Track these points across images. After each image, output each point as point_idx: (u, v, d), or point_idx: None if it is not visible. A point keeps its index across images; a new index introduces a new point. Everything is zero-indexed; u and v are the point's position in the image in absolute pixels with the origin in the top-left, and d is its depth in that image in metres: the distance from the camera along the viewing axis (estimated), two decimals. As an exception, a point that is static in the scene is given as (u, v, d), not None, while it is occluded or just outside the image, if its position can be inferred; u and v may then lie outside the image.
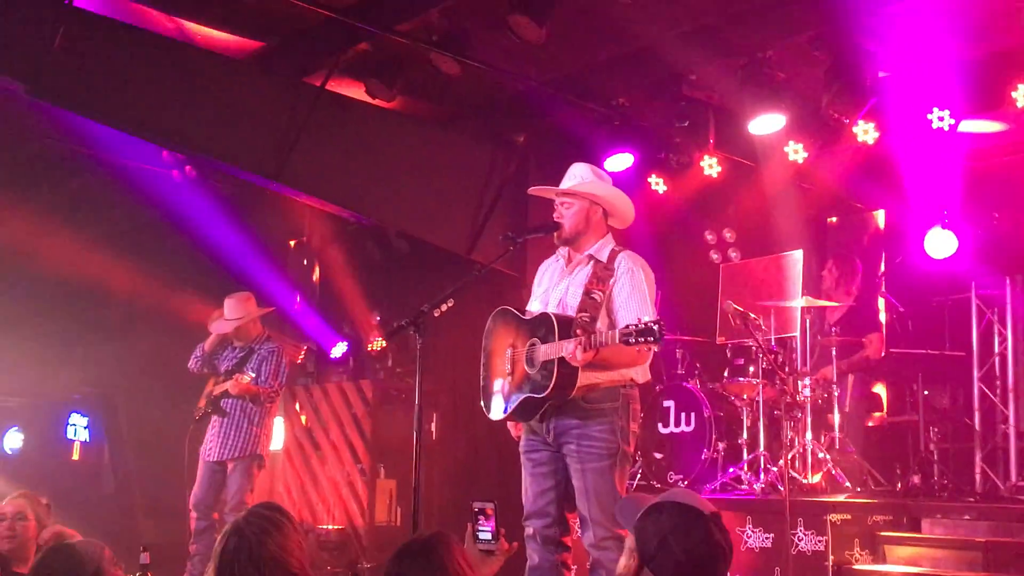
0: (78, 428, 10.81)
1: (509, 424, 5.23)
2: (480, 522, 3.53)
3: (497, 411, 5.13)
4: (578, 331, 4.70)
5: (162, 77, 7.98)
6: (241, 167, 8.72)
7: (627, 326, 4.54)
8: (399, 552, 2.96)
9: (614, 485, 4.86)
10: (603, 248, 5.07)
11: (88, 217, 10.28)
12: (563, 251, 5.20)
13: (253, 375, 7.70)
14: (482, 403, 5.26)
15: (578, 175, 5.10)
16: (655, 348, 4.59)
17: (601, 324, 4.84)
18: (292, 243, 10.66)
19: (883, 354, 8.57)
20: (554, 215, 5.11)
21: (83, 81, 7.65)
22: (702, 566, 2.37)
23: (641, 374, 5.04)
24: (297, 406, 10.76)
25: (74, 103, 7.83)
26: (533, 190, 5.33)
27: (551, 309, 5.00)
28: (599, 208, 5.10)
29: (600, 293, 4.91)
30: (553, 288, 5.10)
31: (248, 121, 8.39)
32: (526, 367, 4.94)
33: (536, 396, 4.87)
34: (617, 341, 4.54)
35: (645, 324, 4.44)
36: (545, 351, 4.82)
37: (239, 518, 3.27)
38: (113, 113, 7.92)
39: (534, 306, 5.20)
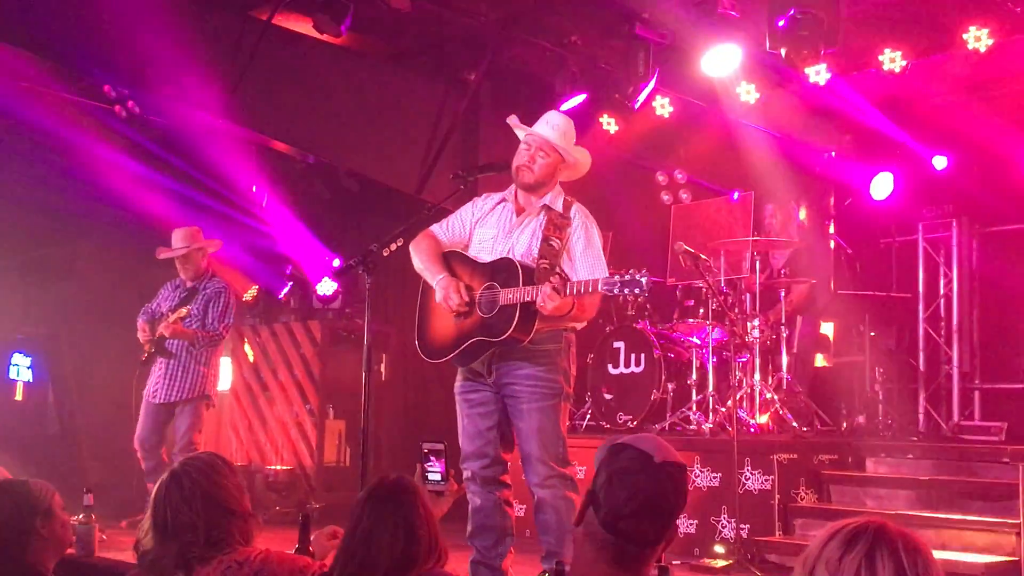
0: (20, 368, 10.65)
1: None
2: (430, 462, 3.52)
3: (439, 353, 5.10)
4: (554, 277, 4.70)
5: (106, 11, 7.75)
6: (187, 103, 8.53)
7: (612, 276, 4.57)
8: (367, 497, 2.93)
9: (557, 425, 4.91)
10: (556, 198, 5.08)
11: (30, 154, 10.04)
12: (509, 195, 5.16)
13: (184, 314, 7.58)
14: (417, 344, 5.24)
15: (561, 128, 5.06)
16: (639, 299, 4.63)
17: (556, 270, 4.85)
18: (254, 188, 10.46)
19: (820, 298, 8.64)
20: (523, 157, 5.04)
21: None
22: (643, 514, 2.33)
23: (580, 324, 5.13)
24: (246, 346, 10.66)
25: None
26: (516, 125, 5.16)
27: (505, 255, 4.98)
28: (563, 163, 5.11)
29: (558, 241, 4.93)
30: (504, 236, 5.05)
31: (193, 56, 8.19)
32: (479, 311, 4.92)
33: (490, 339, 4.85)
34: (600, 290, 4.58)
35: (631, 275, 4.48)
36: (507, 295, 4.81)
37: (176, 464, 3.25)
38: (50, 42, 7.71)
39: (467, 238, 5.16)
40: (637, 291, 4.47)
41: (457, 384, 5.14)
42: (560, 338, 4.97)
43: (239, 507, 3.20)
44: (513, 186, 5.16)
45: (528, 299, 4.72)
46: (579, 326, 5.12)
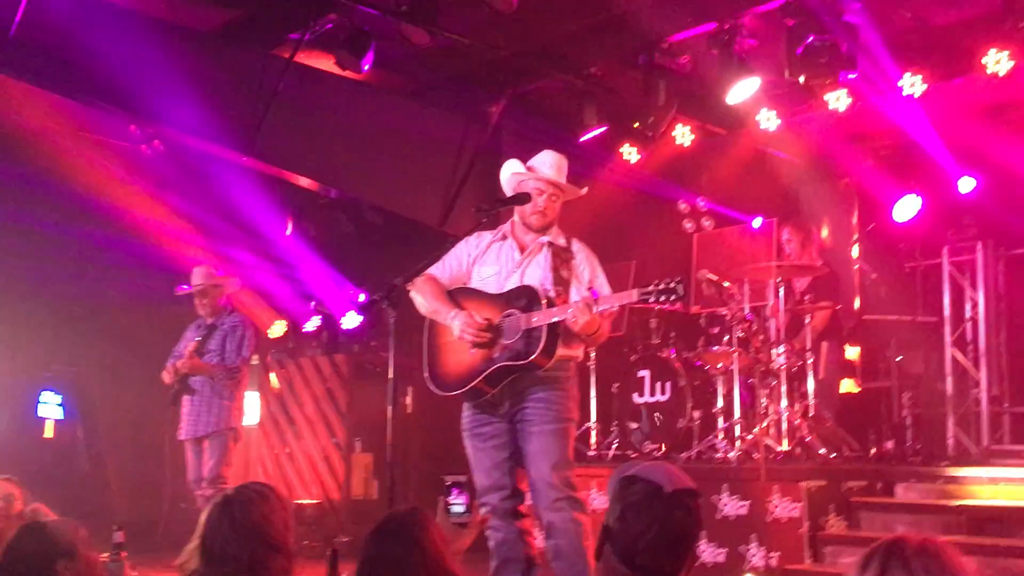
0: (50, 406, 10.73)
1: None
2: (453, 495, 3.53)
3: (458, 384, 5.13)
4: (584, 294, 4.92)
5: (130, 52, 7.86)
6: (211, 141, 8.62)
7: (647, 285, 4.68)
8: (376, 530, 2.94)
9: (565, 448, 4.99)
10: (558, 235, 5.25)
11: (57, 192, 10.15)
12: (508, 232, 5.27)
13: (196, 347, 7.76)
14: (430, 379, 5.30)
15: (564, 169, 5.25)
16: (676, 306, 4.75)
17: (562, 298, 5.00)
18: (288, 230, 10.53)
19: (844, 323, 8.60)
20: (540, 202, 5.15)
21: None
22: (658, 546, 2.33)
23: (582, 354, 5.27)
24: (272, 381, 10.71)
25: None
26: (540, 176, 5.21)
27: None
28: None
29: (567, 271, 5.10)
30: (508, 273, 5.15)
31: (217, 95, 8.28)
32: (502, 338, 4.99)
33: (515, 363, 4.92)
34: (635, 299, 4.72)
35: (665, 283, 4.60)
36: (532, 319, 4.90)
37: (230, 491, 3.29)
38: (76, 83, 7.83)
39: (466, 277, 5.28)
40: (674, 297, 4.56)
41: (465, 420, 5.19)
42: (568, 366, 5.11)
43: (284, 544, 3.22)
44: (511, 223, 5.30)
45: (556, 319, 4.83)
46: (580, 356, 5.24)
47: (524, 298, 4.98)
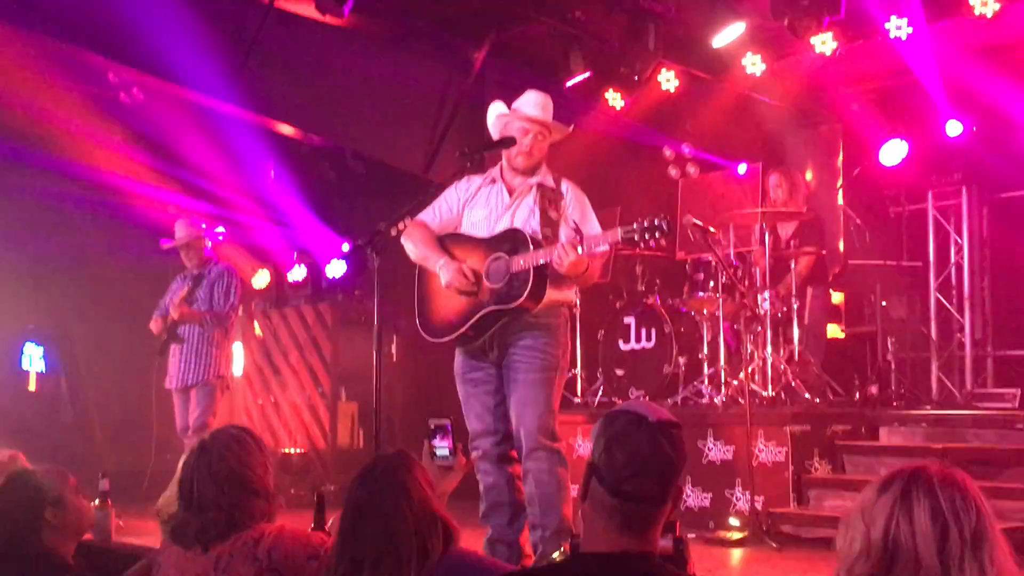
0: (33, 358, 10.69)
1: None
2: (437, 438, 3.51)
3: (447, 330, 5.11)
4: (569, 233, 4.78)
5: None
6: (190, 87, 8.52)
7: (631, 223, 4.61)
8: (361, 474, 2.93)
9: (550, 398, 4.95)
10: (546, 175, 5.16)
11: (34, 145, 10.04)
12: (497, 175, 5.20)
13: (186, 293, 7.81)
14: (420, 326, 5.27)
15: (549, 108, 5.15)
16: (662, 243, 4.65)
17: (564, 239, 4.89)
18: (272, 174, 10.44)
19: (829, 268, 8.61)
20: (526, 141, 5.07)
21: None
22: (644, 473, 2.33)
23: (576, 297, 5.24)
24: (256, 330, 10.68)
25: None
26: (525, 116, 5.14)
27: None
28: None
29: (555, 212, 5.01)
30: (499, 215, 5.10)
31: (197, 41, 8.16)
32: (488, 282, 4.96)
33: (503, 307, 4.89)
34: (620, 238, 4.64)
35: (651, 220, 4.51)
36: (519, 261, 4.86)
37: (205, 437, 3.28)
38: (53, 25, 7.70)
39: (456, 221, 5.22)
40: (658, 235, 4.50)
41: (457, 365, 5.19)
42: (559, 312, 5.06)
43: (263, 486, 3.22)
44: (499, 166, 5.23)
45: (543, 261, 4.77)
46: (574, 299, 5.21)
47: (510, 241, 4.94)
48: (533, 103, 5.13)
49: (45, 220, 10.63)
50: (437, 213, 5.25)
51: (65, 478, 3.74)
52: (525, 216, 5.03)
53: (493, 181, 5.20)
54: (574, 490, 4.68)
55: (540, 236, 4.90)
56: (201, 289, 7.91)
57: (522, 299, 4.83)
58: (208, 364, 7.84)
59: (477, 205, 5.19)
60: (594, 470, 2.37)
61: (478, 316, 4.96)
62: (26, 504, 3.60)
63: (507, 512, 5.02)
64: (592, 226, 5.02)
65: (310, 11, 8.31)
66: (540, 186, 5.08)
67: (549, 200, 5.02)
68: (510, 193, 5.13)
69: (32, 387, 10.79)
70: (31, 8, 7.55)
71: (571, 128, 5.27)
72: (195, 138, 9.52)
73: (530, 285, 4.81)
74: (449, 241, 5.19)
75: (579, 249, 4.67)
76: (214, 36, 8.20)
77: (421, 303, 5.28)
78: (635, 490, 2.32)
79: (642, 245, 4.62)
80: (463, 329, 5.02)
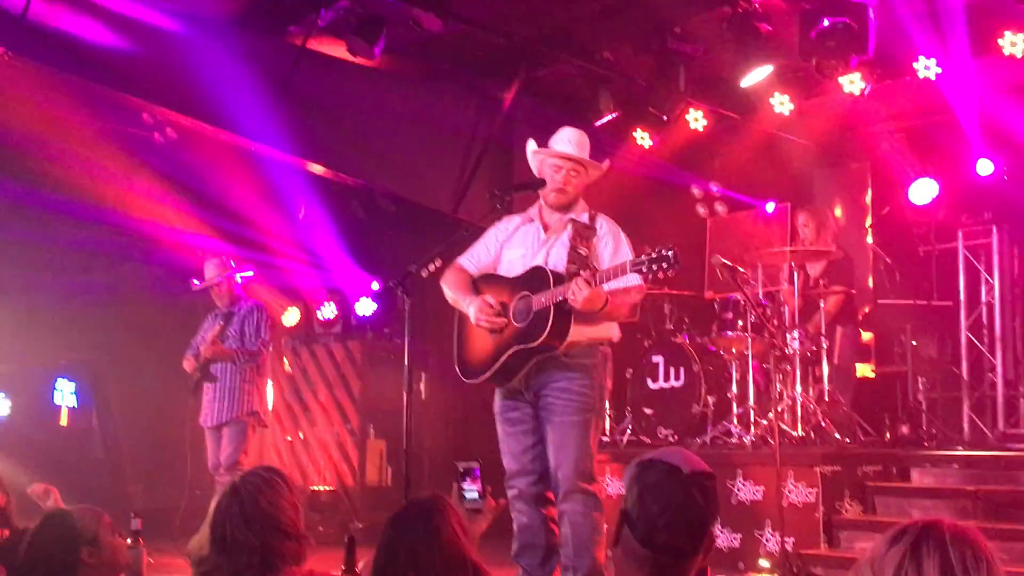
0: (65, 394, 10.77)
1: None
2: (466, 482, 3.52)
3: (479, 371, 5.13)
4: (584, 271, 4.73)
5: (144, 37, 7.87)
6: (223, 127, 8.63)
7: (639, 256, 4.57)
8: (395, 518, 2.93)
9: (587, 440, 4.92)
10: (582, 212, 5.16)
11: (72, 183, 10.18)
12: (535, 214, 5.22)
13: (218, 331, 7.86)
14: (458, 368, 5.29)
15: (583, 143, 5.15)
16: (669, 273, 4.60)
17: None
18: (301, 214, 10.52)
19: (859, 307, 8.57)
20: (558, 178, 5.09)
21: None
22: (677, 525, 2.33)
23: (616, 333, 5.15)
24: (286, 367, 10.73)
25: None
26: (553, 153, 5.18)
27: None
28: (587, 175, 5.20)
29: (585, 249, 4.98)
30: (533, 254, 5.11)
31: (229, 82, 8.28)
32: (514, 321, 4.97)
33: (527, 346, 4.88)
34: (629, 271, 4.60)
35: (658, 251, 4.47)
36: (540, 300, 4.86)
37: (235, 479, 3.29)
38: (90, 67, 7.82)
39: (494, 262, 5.24)
40: (665, 265, 4.46)
41: (496, 404, 5.19)
42: (596, 352, 5.02)
43: (294, 529, 3.22)
44: (537, 205, 5.25)
45: (561, 298, 4.75)
46: (614, 336, 5.13)
47: (536, 279, 4.94)
48: (565, 139, 5.15)
49: (79, 259, 10.75)
50: (475, 256, 5.30)
51: (100, 517, 3.76)
52: (559, 253, 5.02)
53: (531, 220, 5.23)
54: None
55: (565, 273, 4.88)
56: (232, 327, 7.96)
57: (543, 338, 4.81)
58: (240, 401, 7.87)
59: (514, 244, 5.21)
60: (626, 518, 2.37)
61: (506, 356, 4.97)
62: (63, 544, 3.62)
63: (540, 553, 5.01)
64: (619, 259, 4.94)
65: (342, 52, 8.42)
66: (574, 222, 5.06)
67: (581, 236, 4.99)
68: (545, 230, 5.16)
69: (63, 422, 10.85)
70: (72, 53, 7.67)
71: (606, 164, 5.25)
72: (226, 177, 9.63)
73: (550, 323, 4.79)
74: (482, 282, 5.22)
75: (591, 284, 4.64)
76: (248, 76, 8.31)
77: (459, 345, 5.30)
78: (667, 542, 2.32)
79: (651, 277, 4.59)
80: (493, 368, 5.03)
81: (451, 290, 5.21)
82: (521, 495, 5.02)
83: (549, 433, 4.94)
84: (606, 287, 4.76)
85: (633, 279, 4.83)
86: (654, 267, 4.49)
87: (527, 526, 5.03)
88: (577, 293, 4.64)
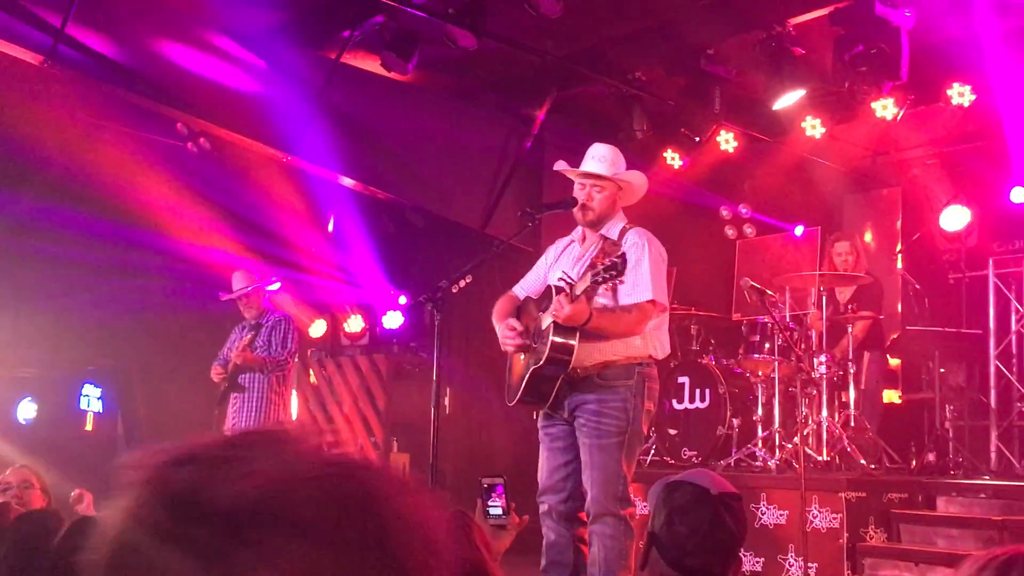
0: (91, 399, 10.84)
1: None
2: (491, 498, 3.52)
3: (512, 393, 5.16)
4: (567, 286, 4.75)
5: (180, 49, 7.96)
6: (256, 138, 8.69)
7: (595, 266, 4.54)
8: None
9: (619, 464, 4.89)
10: (614, 227, 5.12)
11: (100, 192, 10.27)
12: (577, 235, 5.25)
13: (248, 341, 7.91)
14: (505, 394, 5.31)
15: (608, 159, 5.10)
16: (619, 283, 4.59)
17: (605, 295, 4.88)
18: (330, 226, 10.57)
19: (887, 333, 8.52)
20: (580, 196, 5.09)
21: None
22: (706, 548, 2.33)
23: (660, 349, 5.08)
24: (311, 378, 10.77)
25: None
26: (567, 171, 5.21)
27: None
28: (620, 191, 5.14)
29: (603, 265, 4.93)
30: (569, 269, 5.10)
31: (263, 93, 8.36)
32: (532, 343, 5.00)
33: (536, 367, 4.88)
34: (588, 283, 4.58)
35: (610, 260, 4.45)
36: (545, 319, 4.89)
37: None
38: (127, 78, 7.91)
39: (544, 285, 5.22)
40: (614, 273, 4.44)
41: (539, 420, 5.21)
42: (632, 373, 4.95)
43: None
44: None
45: (551, 316, 4.78)
46: (659, 353, 5.06)
47: (548, 298, 4.95)
48: (591, 156, 5.13)
49: (109, 265, 10.83)
50: (526, 281, 5.36)
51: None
52: (579, 272, 5.02)
53: (573, 240, 5.27)
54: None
55: (567, 289, 4.84)
56: (260, 338, 8.03)
57: (545, 355, 4.80)
58: (266, 411, 7.92)
59: (560, 265, 5.21)
60: (655, 541, 2.37)
61: (527, 378, 4.97)
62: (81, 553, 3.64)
63: (566, 572, 5.00)
64: (637, 275, 4.87)
65: (375, 67, 8.47)
66: (603, 238, 5.04)
67: (604, 253, 4.90)
68: (581, 244, 5.19)
69: (89, 427, 10.92)
70: (104, 61, 7.76)
71: (636, 176, 5.18)
72: (257, 188, 9.69)
73: (550, 342, 4.79)
74: (523, 306, 5.26)
75: (570, 300, 4.64)
76: (282, 89, 8.38)
77: (507, 370, 5.32)
78: (697, 565, 2.31)
79: (606, 286, 4.60)
80: (520, 392, 5.04)
81: (493, 316, 5.25)
82: (550, 511, 5.02)
83: (582, 454, 4.93)
84: (606, 301, 4.78)
85: (643, 294, 4.81)
86: (607, 275, 4.48)
87: (554, 543, 5.03)
88: (559, 310, 4.67)
